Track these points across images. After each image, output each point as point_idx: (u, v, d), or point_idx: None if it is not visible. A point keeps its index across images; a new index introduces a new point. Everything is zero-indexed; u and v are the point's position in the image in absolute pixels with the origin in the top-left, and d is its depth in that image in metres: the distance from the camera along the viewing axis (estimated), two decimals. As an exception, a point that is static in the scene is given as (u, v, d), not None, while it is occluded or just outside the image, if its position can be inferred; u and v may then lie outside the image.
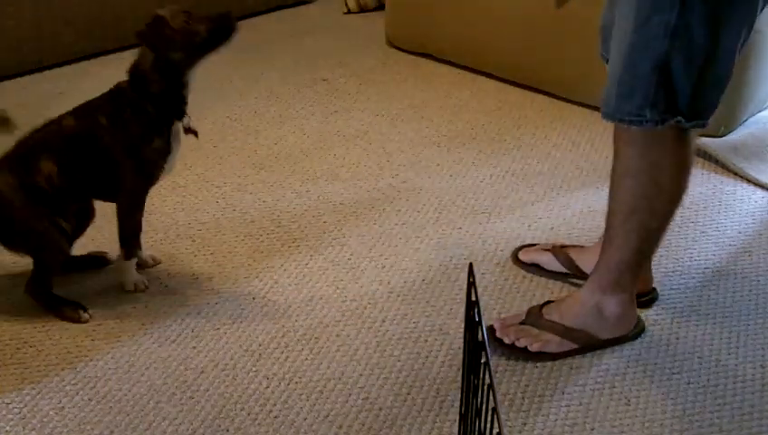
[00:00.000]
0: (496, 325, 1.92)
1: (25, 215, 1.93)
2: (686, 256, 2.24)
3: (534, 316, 1.93)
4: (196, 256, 2.23)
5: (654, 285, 2.08)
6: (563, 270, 2.12)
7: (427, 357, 1.91)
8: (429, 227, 2.36)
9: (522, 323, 1.93)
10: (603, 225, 1.89)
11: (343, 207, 2.44)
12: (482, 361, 1.27)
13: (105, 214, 2.11)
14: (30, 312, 2.01)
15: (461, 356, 1.59)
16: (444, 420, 1.74)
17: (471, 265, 1.40)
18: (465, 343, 1.45)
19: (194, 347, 1.93)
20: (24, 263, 2.05)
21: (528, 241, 2.26)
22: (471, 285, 1.38)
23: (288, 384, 1.84)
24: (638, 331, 1.96)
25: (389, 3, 3.43)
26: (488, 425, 1.23)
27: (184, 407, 1.78)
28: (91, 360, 1.89)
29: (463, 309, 1.59)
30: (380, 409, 1.78)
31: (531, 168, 2.64)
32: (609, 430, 1.73)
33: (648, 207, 1.81)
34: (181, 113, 1.98)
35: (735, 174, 2.59)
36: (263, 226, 2.36)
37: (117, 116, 1.94)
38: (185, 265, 2.20)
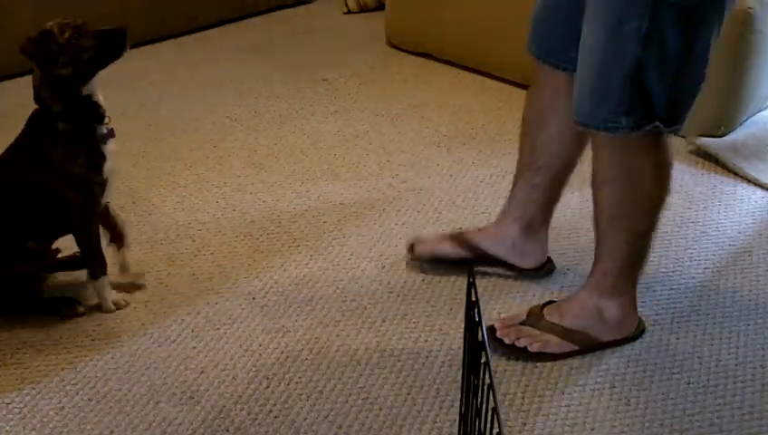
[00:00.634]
0: (497, 325, 1.92)
1: None
2: (686, 256, 2.24)
3: (535, 317, 1.93)
4: (196, 256, 2.23)
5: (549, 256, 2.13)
6: (469, 255, 2.11)
7: (427, 357, 1.91)
8: (429, 227, 2.36)
9: (522, 323, 1.93)
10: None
11: (343, 207, 2.44)
12: (482, 361, 1.27)
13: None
14: (29, 314, 2.01)
15: (461, 356, 1.59)
16: (444, 420, 1.74)
17: (471, 266, 1.40)
18: (465, 343, 1.44)
19: (194, 347, 1.93)
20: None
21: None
22: (471, 285, 1.37)
23: (288, 384, 1.84)
24: (638, 332, 1.96)
25: (389, 3, 3.43)
26: (488, 425, 1.23)
27: (184, 407, 1.78)
28: (91, 360, 1.89)
29: (463, 309, 1.59)
30: (380, 409, 1.78)
31: (531, 168, 2.64)
32: (609, 430, 1.73)
33: (631, 212, 1.80)
34: (99, 118, 1.91)
35: (735, 174, 2.59)
36: (263, 226, 2.36)
37: (34, 148, 1.90)
38: (185, 265, 2.20)
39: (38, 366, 1.87)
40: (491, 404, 1.21)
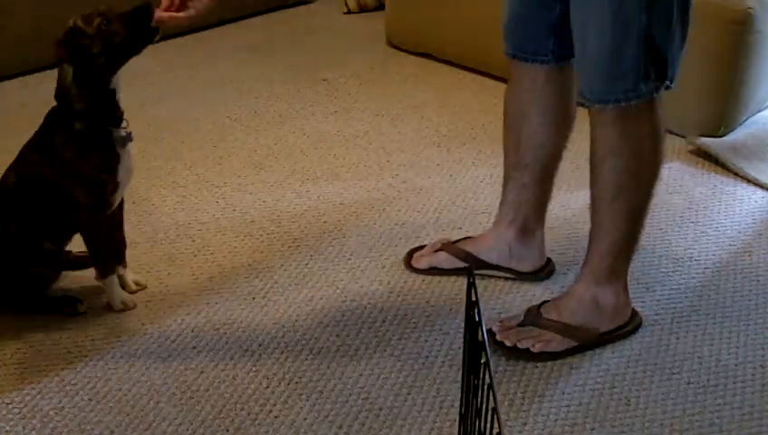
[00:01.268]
0: (496, 328, 1.92)
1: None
2: (686, 256, 2.24)
3: (533, 316, 1.93)
4: (196, 256, 2.23)
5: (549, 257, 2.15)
6: (463, 265, 2.12)
7: (427, 357, 1.91)
8: (429, 226, 2.36)
9: (521, 323, 1.93)
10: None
11: (343, 207, 2.44)
12: (482, 361, 1.27)
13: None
14: (31, 313, 2.01)
15: (461, 356, 1.59)
16: (444, 420, 1.74)
17: (471, 266, 1.40)
18: (465, 342, 1.44)
19: (194, 347, 1.93)
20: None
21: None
22: (471, 285, 1.37)
23: (288, 384, 1.84)
24: (635, 324, 1.97)
25: (389, 3, 3.43)
26: (488, 425, 1.23)
27: (184, 407, 1.78)
28: (91, 360, 1.89)
29: (463, 309, 1.59)
30: (380, 409, 1.78)
31: (531, 168, 2.64)
32: (609, 430, 1.73)
33: (634, 184, 1.83)
34: (117, 121, 1.90)
35: (735, 174, 2.59)
36: (263, 226, 2.36)
37: (48, 147, 1.89)
38: (185, 265, 2.20)
39: (38, 366, 1.87)
40: (491, 404, 1.21)
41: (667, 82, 1.76)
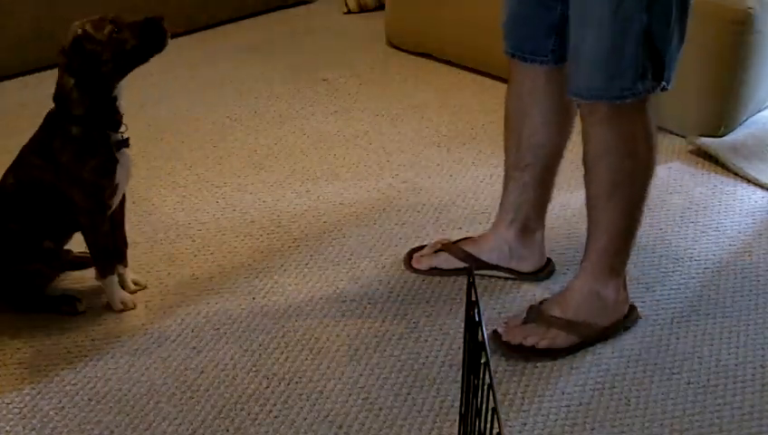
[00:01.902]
0: (501, 329, 1.92)
1: None
2: (686, 256, 2.24)
3: (536, 313, 1.94)
4: (196, 256, 2.23)
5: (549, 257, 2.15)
6: (463, 265, 2.12)
7: (427, 357, 1.91)
8: (429, 226, 2.36)
9: (524, 321, 1.93)
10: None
11: (343, 207, 2.45)
12: (482, 361, 1.27)
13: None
14: (30, 312, 2.01)
15: (461, 356, 1.59)
16: (444, 420, 1.74)
17: (471, 266, 1.40)
18: (465, 342, 1.45)
19: (194, 347, 1.93)
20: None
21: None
22: (471, 285, 1.37)
23: (288, 384, 1.84)
24: (633, 319, 1.98)
25: (389, 3, 3.43)
26: (488, 425, 1.23)
27: (184, 407, 1.78)
28: (91, 360, 1.89)
29: (463, 309, 1.59)
30: (380, 409, 1.78)
31: (531, 168, 2.64)
32: (609, 430, 1.73)
33: (629, 181, 1.84)
34: (116, 125, 1.90)
35: (735, 174, 2.59)
36: (263, 226, 2.36)
37: (46, 151, 1.89)
38: (185, 265, 2.20)
39: (38, 366, 1.87)
40: (491, 404, 1.21)
41: (664, 83, 1.76)
